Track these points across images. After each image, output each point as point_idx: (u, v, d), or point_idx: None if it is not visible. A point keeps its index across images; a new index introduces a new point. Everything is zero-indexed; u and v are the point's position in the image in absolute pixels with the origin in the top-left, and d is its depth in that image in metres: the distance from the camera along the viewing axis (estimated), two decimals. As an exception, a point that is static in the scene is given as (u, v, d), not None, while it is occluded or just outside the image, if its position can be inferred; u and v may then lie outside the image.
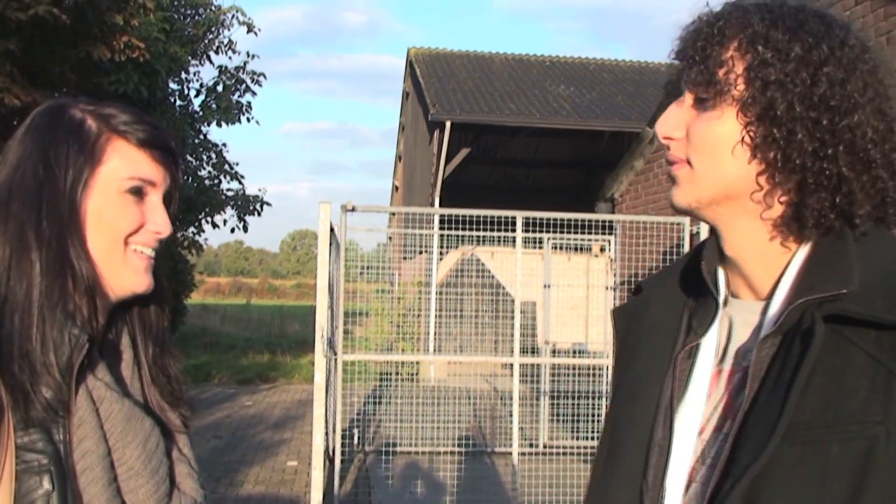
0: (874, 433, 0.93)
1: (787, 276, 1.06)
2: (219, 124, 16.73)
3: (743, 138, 1.04)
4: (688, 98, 1.11)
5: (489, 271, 10.14)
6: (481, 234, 7.94)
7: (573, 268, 9.58)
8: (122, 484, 1.17)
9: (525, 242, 7.64)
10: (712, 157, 1.07)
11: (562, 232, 8.17)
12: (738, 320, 1.12)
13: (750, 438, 0.98)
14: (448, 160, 17.46)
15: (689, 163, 1.10)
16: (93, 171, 1.21)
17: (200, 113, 16.77)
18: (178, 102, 16.51)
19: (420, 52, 21.77)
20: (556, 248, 8.79)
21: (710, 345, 1.14)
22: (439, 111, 16.93)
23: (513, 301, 8.03)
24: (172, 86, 16.06)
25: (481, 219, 7.60)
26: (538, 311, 9.61)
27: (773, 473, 0.94)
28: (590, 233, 8.09)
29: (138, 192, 1.24)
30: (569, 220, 7.77)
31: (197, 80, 17.03)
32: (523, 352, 7.47)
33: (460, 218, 7.62)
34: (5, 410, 1.06)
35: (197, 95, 17.04)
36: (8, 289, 1.14)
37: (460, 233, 8.15)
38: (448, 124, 16.76)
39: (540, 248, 8.71)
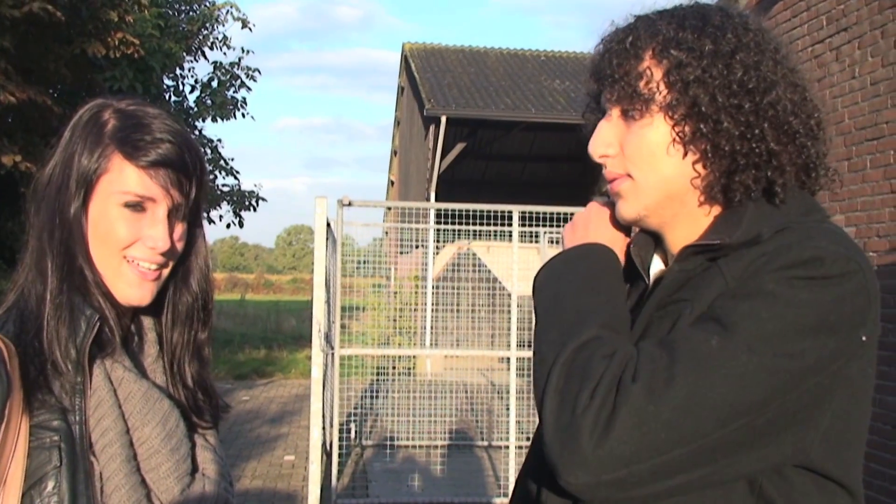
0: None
1: None
2: (214, 120, 16.71)
3: (674, 139, 1.11)
4: (614, 113, 1.17)
5: (485, 266, 10.15)
6: (477, 228, 7.94)
7: (569, 262, 9.58)
8: (142, 462, 1.22)
9: (521, 237, 7.65)
10: (650, 164, 1.14)
11: (558, 226, 8.17)
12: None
13: None
14: (444, 155, 17.48)
15: (629, 176, 1.16)
16: (97, 178, 1.23)
17: (195, 109, 16.73)
18: (173, 98, 16.47)
19: (415, 48, 21.75)
20: (552, 242, 8.79)
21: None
22: (435, 106, 16.94)
23: (509, 295, 8.05)
24: (167, 82, 16.04)
25: (477, 213, 7.61)
26: (534, 305, 9.60)
27: None
28: (585, 227, 8.08)
29: (137, 206, 1.24)
30: (565, 213, 7.78)
31: (192, 76, 17.02)
32: (520, 345, 7.47)
33: (456, 212, 7.63)
34: (14, 391, 1.12)
35: (192, 91, 17.02)
36: (29, 284, 1.23)
37: (456, 227, 8.17)
38: (443, 119, 16.78)
39: (536, 242, 8.71)
